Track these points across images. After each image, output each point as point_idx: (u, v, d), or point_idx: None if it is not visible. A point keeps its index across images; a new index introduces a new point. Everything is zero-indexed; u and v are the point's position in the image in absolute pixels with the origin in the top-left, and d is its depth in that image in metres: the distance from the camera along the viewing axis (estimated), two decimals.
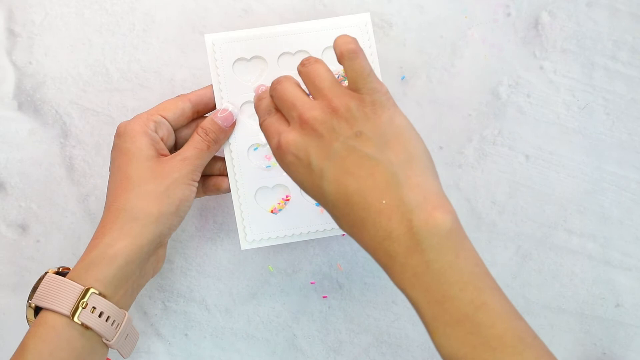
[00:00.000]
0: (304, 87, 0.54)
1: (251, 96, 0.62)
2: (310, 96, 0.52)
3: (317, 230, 0.62)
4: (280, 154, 0.51)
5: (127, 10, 0.68)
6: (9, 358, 0.54)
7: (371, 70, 0.50)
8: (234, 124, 0.61)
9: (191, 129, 0.62)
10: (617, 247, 0.67)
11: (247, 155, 0.62)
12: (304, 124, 0.49)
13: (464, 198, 0.67)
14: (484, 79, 0.68)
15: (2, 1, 0.68)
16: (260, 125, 0.54)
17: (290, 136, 0.50)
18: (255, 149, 0.62)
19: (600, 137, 0.68)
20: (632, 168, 0.67)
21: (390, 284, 0.67)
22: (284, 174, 0.62)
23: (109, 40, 0.68)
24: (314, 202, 0.62)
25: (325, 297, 0.67)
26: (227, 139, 0.62)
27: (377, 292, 0.67)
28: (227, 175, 0.62)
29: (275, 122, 0.52)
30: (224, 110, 0.61)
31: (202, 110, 0.62)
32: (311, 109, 0.50)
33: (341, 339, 0.67)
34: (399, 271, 0.46)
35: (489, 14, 0.68)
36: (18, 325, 0.66)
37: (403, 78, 0.67)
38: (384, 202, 0.47)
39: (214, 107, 0.62)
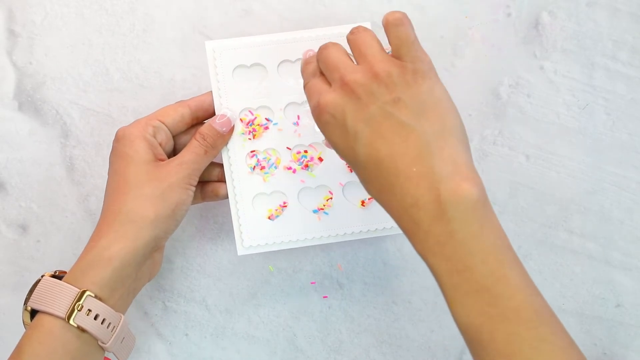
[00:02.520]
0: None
1: (250, 103, 0.62)
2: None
3: (313, 237, 0.62)
4: (318, 112, 0.51)
5: (127, 10, 0.68)
6: None
7: (416, 38, 0.51)
8: (232, 130, 0.62)
9: (190, 134, 0.62)
10: (617, 247, 0.67)
11: (245, 161, 0.62)
12: (344, 86, 0.50)
13: None
14: (484, 79, 0.68)
15: (2, 1, 0.68)
16: (304, 87, 0.55)
17: (330, 96, 0.51)
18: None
19: (600, 137, 0.68)
20: (632, 168, 0.67)
21: (391, 284, 0.67)
22: (282, 180, 0.63)
23: (109, 40, 0.68)
24: (311, 209, 0.63)
25: (326, 297, 0.67)
26: (225, 145, 0.62)
27: (377, 292, 0.67)
28: (225, 181, 0.63)
29: (317, 83, 0.53)
30: (222, 115, 0.61)
31: (202, 116, 0.62)
32: (353, 72, 0.50)
33: (341, 339, 0.67)
34: (423, 239, 0.47)
35: (489, 14, 0.68)
36: (18, 325, 0.66)
37: None
38: (414, 169, 0.47)
39: (214, 114, 0.62)
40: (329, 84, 0.52)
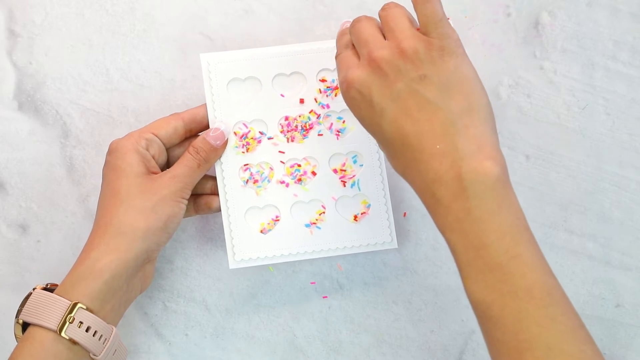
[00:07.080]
0: None
1: (244, 116, 0.63)
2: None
3: (305, 252, 0.63)
4: (345, 87, 0.52)
5: (127, 10, 0.68)
6: None
7: (444, 15, 0.51)
8: (225, 143, 0.62)
9: (184, 147, 0.62)
10: (617, 248, 0.67)
11: (238, 175, 0.62)
12: (371, 62, 0.50)
13: None
14: (484, 79, 0.67)
15: (2, 1, 0.68)
16: (335, 58, 0.55)
17: (357, 72, 0.51)
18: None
19: (600, 138, 0.68)
20: (632, 168, 0.67)
21: (391, 284, 0.67)
22: (274, 194, 0.63)
23: (109, 40, 0.68)
24: (303, 223, 0.63)
25: (326, 297, 0.67)
26: (219, 158, 0.62)
27: (377, 292, 0.67)
28: (218, 194, 0.63)
29: (348, 56, 0.53)
30: (216, 129, 0.61)
31: (195, 129, 0.62)
32: (381, 48, 0.51)
33: (341, 339, 0.67)
34: (442, 214, 0.48)
35: (489, 14, 0.68)
36: None
37: None
38: (438, 147, 0.48)
39: (207, 126, 0.62)
40: (359, 57, 0.52)
